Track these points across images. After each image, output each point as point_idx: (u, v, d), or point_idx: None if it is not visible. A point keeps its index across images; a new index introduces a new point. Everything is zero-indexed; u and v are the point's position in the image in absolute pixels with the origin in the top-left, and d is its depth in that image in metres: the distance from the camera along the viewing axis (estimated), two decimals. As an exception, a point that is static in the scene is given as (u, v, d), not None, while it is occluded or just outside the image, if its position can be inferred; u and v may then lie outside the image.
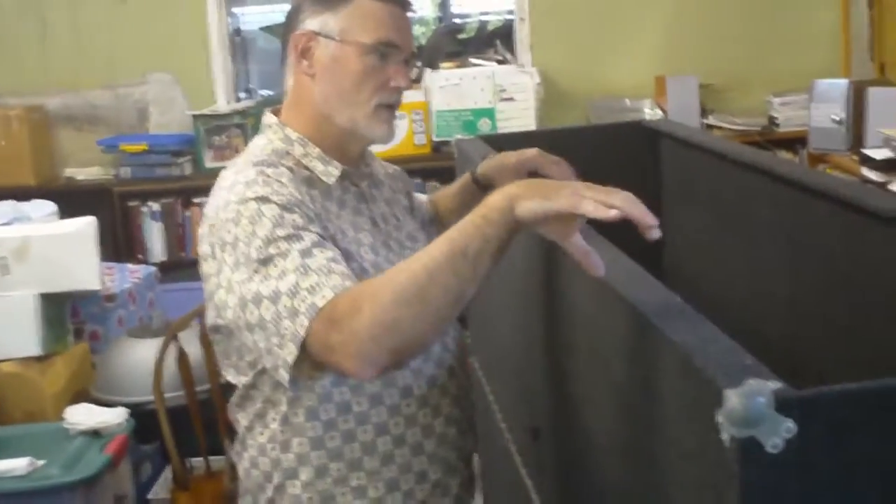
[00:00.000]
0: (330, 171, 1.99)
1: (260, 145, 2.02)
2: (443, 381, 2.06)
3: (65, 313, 3.99)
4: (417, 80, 2.15)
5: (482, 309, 2.30)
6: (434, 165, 5.38)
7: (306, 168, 1.98)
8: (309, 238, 1.76)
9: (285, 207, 1.80)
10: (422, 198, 2.41)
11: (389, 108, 1.99)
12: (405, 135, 5.39)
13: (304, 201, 1.86)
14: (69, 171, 5.91)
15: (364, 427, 1.97)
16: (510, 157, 2.10)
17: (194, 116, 5.73)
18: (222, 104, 5.92)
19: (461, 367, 2.13)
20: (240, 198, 1.83)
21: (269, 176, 1.86)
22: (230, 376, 2.03)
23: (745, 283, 2.32)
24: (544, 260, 1.73)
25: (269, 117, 2.06)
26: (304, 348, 1.65)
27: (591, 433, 1.55)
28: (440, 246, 1.49)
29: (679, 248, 2.66)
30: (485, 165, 2.17)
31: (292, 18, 2.02)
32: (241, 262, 1.77)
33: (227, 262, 1.81)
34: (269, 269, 1.73)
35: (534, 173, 2.00)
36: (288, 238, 1.75)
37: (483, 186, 2.14)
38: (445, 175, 5.22)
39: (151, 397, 3.33)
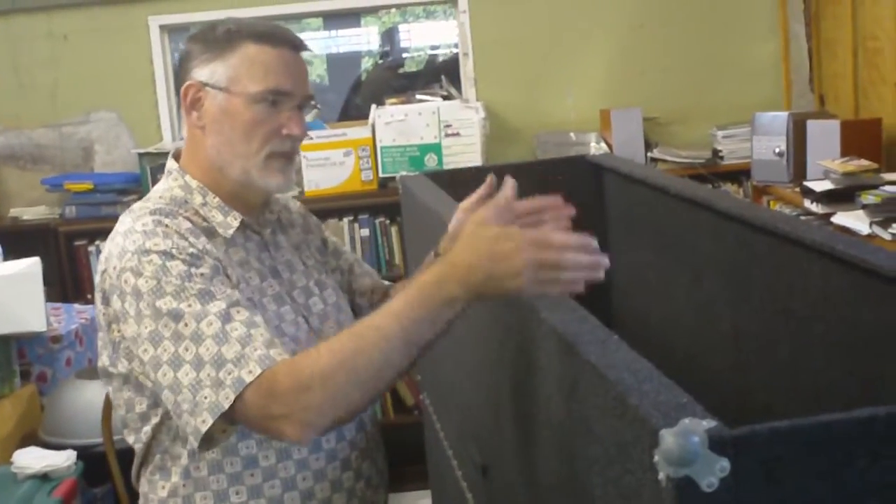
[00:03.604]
0: (228, 223, 1.94)
1: (160, 191, 1.98)
2: (351, 435, 2.03)
3: (11, 355, 3.94)
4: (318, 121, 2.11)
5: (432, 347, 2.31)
6: (381, 202, 5.38)
7: (204, 219, 1.93)
8: (222, 296, 1.74)
9: (191, 263, 1.77)
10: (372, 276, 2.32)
11: (284, 157, 1.93)
12: (352, 171, 5.38)
13: (207, 250, 1.83)
14: (14, 212, 5.84)
15: (271, 482, 1.93)
16: (460, 211, 1.95)
17: (140, 154, 5.67)
18: (168, 141, 5.86)
19: (371, 421, 2.10)
20: (138, 247, 1.80)
21: (167, 226, 1.82)
22: (127, 436, 1.98)
23: (691, 316, 2.34)
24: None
25: (171, 162, 2.01)
26: (229, 416, 1.66)
27: (535, 471, 1.55)
28: (396, 332, 1.57)
29: (625, 281, 2.68)
30: (444, 239, 2.00)
31: (182, 67, 1.96)
32: (145, 315, 1.74)
33: (129, 313, 1.78)
34: (180, 326, 1.70)
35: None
36: (200, 296, 1.73)
37: None
38: (393, 211, 5.23)
39: (101, 439, 3.31)
